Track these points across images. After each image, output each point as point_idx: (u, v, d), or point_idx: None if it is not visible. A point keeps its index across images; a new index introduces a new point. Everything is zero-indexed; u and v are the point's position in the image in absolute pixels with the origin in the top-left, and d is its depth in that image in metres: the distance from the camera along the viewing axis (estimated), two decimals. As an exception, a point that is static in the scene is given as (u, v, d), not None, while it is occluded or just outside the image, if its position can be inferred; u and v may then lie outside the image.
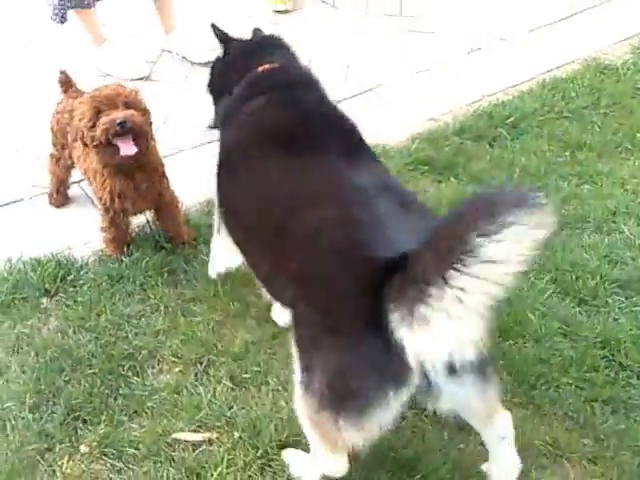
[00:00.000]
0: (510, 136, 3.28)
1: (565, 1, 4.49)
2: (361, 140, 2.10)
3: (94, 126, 2.44)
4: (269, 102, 2.13)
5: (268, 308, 2.47)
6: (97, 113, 2.44)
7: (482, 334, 1.50)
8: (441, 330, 1.49)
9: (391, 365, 1.61)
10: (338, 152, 1.94)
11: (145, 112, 2.55)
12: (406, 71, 3.85)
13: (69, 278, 2.62)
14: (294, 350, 1.82)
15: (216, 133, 2.42)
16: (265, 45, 2.44)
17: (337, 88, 3.66)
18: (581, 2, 4.48)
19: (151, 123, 2.59)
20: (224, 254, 2.40)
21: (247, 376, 2.30)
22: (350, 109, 3.50)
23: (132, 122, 2.43)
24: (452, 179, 3.06)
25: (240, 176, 2.08)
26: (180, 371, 2.33)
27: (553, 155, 3.18)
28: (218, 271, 2.57)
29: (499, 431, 1.90)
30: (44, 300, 2.55)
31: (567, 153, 3.19)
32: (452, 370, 1.62)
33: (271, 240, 1.92)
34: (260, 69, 2.28)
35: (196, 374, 2.31)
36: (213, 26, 2.50)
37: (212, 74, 2.55)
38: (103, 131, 2.42)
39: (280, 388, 2.25)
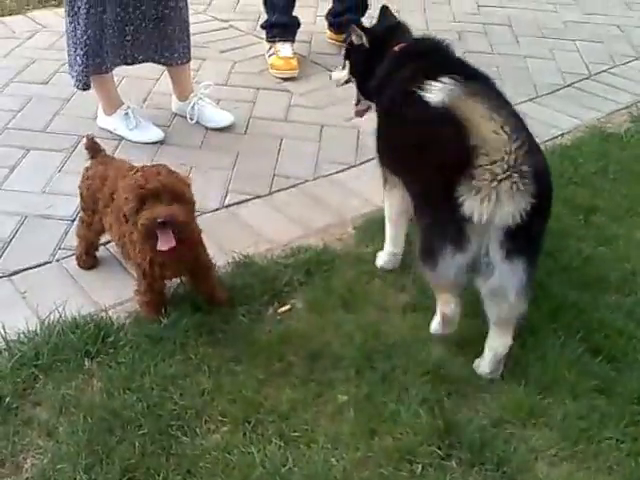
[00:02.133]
0: (526, 200, 3.38)
1: (562, 71, 4.72)
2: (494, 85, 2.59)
3: (138, 212, 2.47)
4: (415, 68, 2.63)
5: (310, 366, 2.54)
6: (141, 202, 2.46)
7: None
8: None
9: (455, 234, 2.25)
10: None
11: (190, 204, 2.56)
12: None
13: (109, 340, 2.62)
14: None
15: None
16: (394, 30, 2.95)
17: (348, 154, 3.80)
18: (578, 72, 4.72)
19: (194, 213, 2.62)
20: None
21: (296, 434, 2.32)
22: (359, 175, 3.65)
23: (172, 221, 2.45)
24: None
25: (397, 124, 2.69)
26: (229, 430, 2.34)
27: (568, 219, 3.29)
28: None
29: (493, 343, 2.48)
30: (86, 361, 2.56)
31: (581, 217, 3.32)
32: (507, 253, 2.22)
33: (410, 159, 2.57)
34: (397, 48, 2.80)
35: (245, 433, 2.32)
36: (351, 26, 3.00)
37: (355, 60, 3.04)
38: (143, 226, 2.45)
39: (329, 446, 2.28)
